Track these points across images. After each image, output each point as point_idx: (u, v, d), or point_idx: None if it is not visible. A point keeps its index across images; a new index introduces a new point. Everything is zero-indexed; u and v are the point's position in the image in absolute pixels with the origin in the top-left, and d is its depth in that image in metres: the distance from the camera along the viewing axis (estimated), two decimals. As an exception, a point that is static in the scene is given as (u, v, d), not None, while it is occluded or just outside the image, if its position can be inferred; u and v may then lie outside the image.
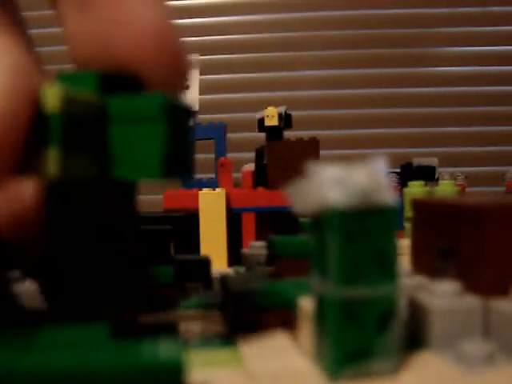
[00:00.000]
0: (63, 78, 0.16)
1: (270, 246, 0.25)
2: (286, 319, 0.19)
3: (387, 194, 0.15)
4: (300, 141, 0.67)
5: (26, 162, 0.14)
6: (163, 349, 0.13)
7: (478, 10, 1.19)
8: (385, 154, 0.16)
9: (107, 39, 0.17)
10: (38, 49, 0.18)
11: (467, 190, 0.71)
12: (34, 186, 0.18)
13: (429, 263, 0.21)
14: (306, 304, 0.17)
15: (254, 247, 0.30)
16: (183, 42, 0.18)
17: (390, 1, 1.21)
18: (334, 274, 0.15)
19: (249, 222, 0.48)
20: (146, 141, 0.15)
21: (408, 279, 0.20)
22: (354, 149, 1.18)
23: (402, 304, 0.18)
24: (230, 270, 0.33)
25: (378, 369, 0.15)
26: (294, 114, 0.76)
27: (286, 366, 0.16)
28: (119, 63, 0.17)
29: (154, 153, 0.15)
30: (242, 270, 0.30)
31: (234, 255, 0.39)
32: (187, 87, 0.19)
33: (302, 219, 0.38)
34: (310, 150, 0.66)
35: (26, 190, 0.18)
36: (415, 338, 0.18)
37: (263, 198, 0.51)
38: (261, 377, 0.15)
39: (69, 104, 0.14)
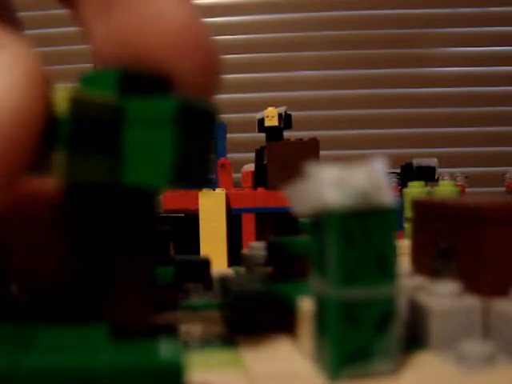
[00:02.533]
0: (86, 77, 0.16)
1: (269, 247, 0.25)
2: (285, 320, 0.19)
3: (387, 195, 0.15)
4: (300, 141, 0.67)
5: (39, 163, 0.14)
6: (163, 350, 0.13)
7: (478, 10, 1.19)
8: (385, 155, 0.16)
9: (132, 36, 0.16)
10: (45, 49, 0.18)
11: (467, 190, 0.71)
12: (53, 187, 0.18)
13: (429, 263, 0.21)
14: (306, 305, 0.17)
15: (254, 248, 0.30)
16: (214, 40, 0.17)
17: (389, 2, 1.21)
18: (334, 274, 0.15)
19: (249, 223, 0.48)
20: (157, 146, 0.15)
21: (408, 279, 0.20)
22: (353, 149, 1.18)
23: (402, 304, 0.18)
24: (229, 271, 0.33)
25: (378, 369, 0.15)
26: (294, 114, 0.76)
27: (286, 367, 0.16)
28: (145, 61, 0.16)
29: (162, 160, 0.15)
30: (241, 270, 0.30)
31: (234, 255, 0.39)
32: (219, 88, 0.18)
33: (301, 220, 0.38)
34: (310, 150, 0.66)
35: (43, 190, 0.18)
36: (415, 338, 0.18)
37: (263, 198, 0.51)
38: (261, 378, 0.15)
39: (78, 106, 0.14)
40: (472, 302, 0.17)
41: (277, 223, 0.48)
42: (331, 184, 0.15)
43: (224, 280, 0.22)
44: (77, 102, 0.14)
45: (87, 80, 0.16)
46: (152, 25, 0.16)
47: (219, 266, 0.37)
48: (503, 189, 0.73)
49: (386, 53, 1.21)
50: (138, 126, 0.15)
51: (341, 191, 0.15)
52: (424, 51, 1.22)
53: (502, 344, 0.17)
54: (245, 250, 0.31)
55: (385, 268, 0.15)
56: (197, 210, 0.44)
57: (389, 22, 1.21)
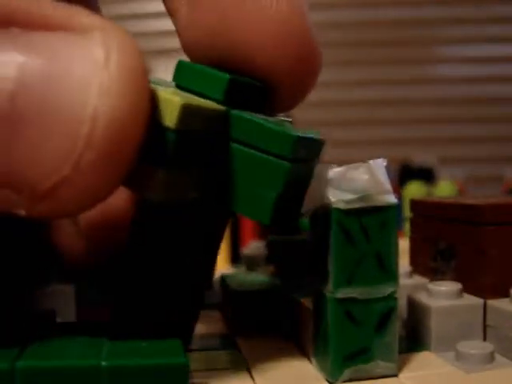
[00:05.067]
0: (187, 70, 0.15)
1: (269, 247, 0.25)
2: (286, 320, 0.19)
3: (387, 194, 0.15)
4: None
5: (133, 176, 0.12)
6: (165, 350, 0.13)
7: (479, 10, 1.19)
8: (384, 155, 0.16)
9: (223, 24, 0.15)
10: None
11: (467, 190, 0.71)
12: (127, 196, 0.17)
13: (428, 263, 0.21)
14: (306, 304, 0.17)
15: (254, 247, 0.30)
16: (315, 32, 0.16)
17: (389, 2, 1.21)
18: (334, 273, 0.15)
19: (249, 222, 0.48)
20: (264, 177, 0.13)
21: (408, 279, 0.21)
22: (354, 149, 1.18)
23: (402, 304, 0.18)
24: (229, 270, 0.33)
25: (378, 369, 0.15)
26: (295, 114, 0.76)
27: (286, 367, 0.16)
28: (236, 51, 0.15)
29: (267, 195, 0.13)
30: (241, 269, 0.30)
31: (234, 255, 0.39)
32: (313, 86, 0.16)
33: (301, 219, 0.38)
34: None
35: (118, 197, 0.17)
36: (415, 338, 0.18)
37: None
38: (261, 378, 0.15)
39: (189, 119, 0.12)
40: (472, 301, 0.17)
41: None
42: (331, 183, 0.15)
43: (224, 279, 0.22)
44: (189, 115, 0.12)
45: (189, 73, 0.15)
46: (239, 11, 0.15)
47: (219, 265, 0.37)
48: (503, 189, 0.73)
49: (387, 53, 1.21)
50: (245, 146, 0.14)
51: (341, 190, 0.15)
52: (424, 51, 1.22)
53: (502, 344, 0.17)
54: (245, 250, 0.31)
55: (385, 268, 0.15)
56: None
57: (388, 22, 1.21)
